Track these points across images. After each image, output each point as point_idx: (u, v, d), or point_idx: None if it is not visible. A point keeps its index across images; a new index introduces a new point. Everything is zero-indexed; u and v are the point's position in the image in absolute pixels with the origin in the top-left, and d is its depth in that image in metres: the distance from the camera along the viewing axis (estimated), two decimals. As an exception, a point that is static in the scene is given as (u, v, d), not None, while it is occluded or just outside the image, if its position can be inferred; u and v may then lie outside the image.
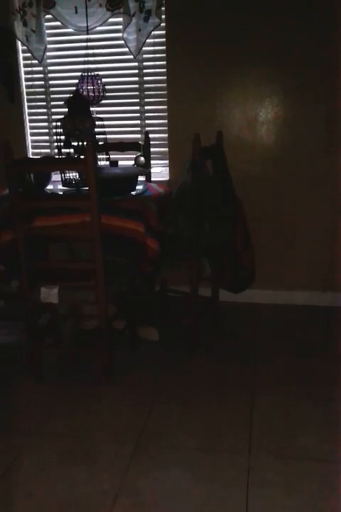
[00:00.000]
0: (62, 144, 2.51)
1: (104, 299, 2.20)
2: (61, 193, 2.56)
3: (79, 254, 2.66)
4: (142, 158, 2.62)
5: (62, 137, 2.52)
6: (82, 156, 2.41)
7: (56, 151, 2.63)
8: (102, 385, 2.31)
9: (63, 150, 2.54)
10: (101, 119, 2.65)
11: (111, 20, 2.96)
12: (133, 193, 2.47)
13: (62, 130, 2.52)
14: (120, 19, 2.94)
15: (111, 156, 2.73)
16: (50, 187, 2.65)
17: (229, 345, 2.69)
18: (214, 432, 1.96)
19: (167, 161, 3.17)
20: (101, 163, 2.75)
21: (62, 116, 2.55)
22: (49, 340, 2.61)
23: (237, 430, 1.96)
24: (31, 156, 3.36)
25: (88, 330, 2.74)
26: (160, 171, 3.18)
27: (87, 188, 2.08)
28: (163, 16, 2.91)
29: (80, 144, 2.45)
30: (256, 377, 2.34)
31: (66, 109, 2.59)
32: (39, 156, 3.32)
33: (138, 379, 2.37)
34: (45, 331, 2.58)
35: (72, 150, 2.53)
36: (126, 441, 1.92)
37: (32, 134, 3.35)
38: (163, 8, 2.89)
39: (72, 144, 2.51)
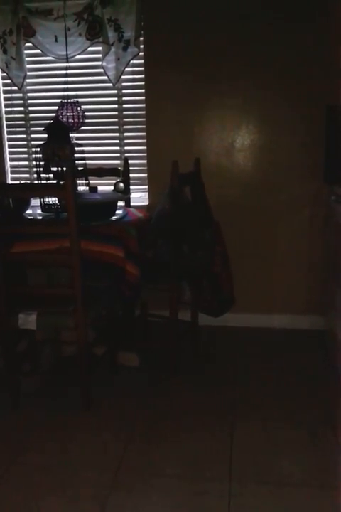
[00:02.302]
0: (41, 169, 2.52)
1: (83, 324, 2.19)
2: (40, 218, 2.55)
3: (58, 280, 2.64)
4: (121, 184, 2.64)
5: (42, 163, 2.53)
6: (61, 182, 2.42)
7: (35, 176, 2.63)
8: (81, 413, 2.28)
9: (42, 175, 2.55)
10: (81, 145, 2.67)
11: (90, 48, 3.00)
12: (112, 218, 2.48)
13: (41, 156, 2.53)
14: (99, 48, 2.99)
15: (90, 182, 2.74)
16: (29, 212, 2.64)
17: (209, 369, 2.69)
18: (195, 459, 1.95)
19: (146, 186, 3.20)
20: (80, 188, 2.76)
21: (41, 142, 2.56)
22: (26, 366, 2.57)
23: (217, 457, 1.95)
24: (10, 181, 3.35)
25: (67, 356, 2.70)
26: (139, 196, 3.21)
27: (66, 213, 2.08)
28: (142, 46, 2.98)
29: (59, 169, 2.46)
30: (235, 402, 2.34)
31: (45, 135, 2.61)
32: (18, 182, 3.31)
33: (118, 406, 2.34)
34: (22, 357, 2.54)
35: (51, 175, 2.54)
36: (105, 470, 1.89)
37: (11, 159, 3.35)
38: (142, 38, 2.96)
39: (52, 169, 2.51)
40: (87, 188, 2.71)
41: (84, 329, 2.20)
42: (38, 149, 2.53)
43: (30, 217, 2.55)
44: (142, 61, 3.02)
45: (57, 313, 2.25)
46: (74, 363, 2.32)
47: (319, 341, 2.91)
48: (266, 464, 1.89)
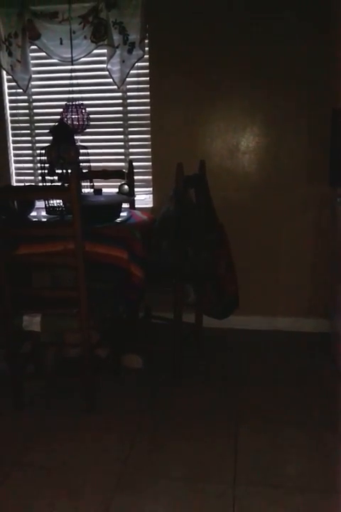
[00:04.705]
0: (46, 171, 2.53)
1: (87, 326, 2.19)
2: (45, 220, 2.56)
3: (62, 282, 2.65)
4: (126, 187, 2.65)
5: (47, 165, 2.54)
6: (66, 184, 2.42)
7: (40, 178, 2.64)
8: (85, 415, 2.28)
9: (47, 178, 2.55)
10: (86, 148, 2.68)
11: (95, 51, 3.01)
12: (117, 220, 2.49)
13: (46, 158, 2.54)
14: (104, 50, 3.00)
15: (95, 184, 2.75)
16: (33, 214, 2.65)
17: (213, 372, 2.68)
18: (200, 461, 1.94)
19: (151, 189, 3.20)
20: (85, 190, 2.77)
21: (46, 145, 2.57)
22: (31, 368, 2.57)
23: (222, 459, 1.94)
24: (15, 184, 3.36)
25: (71, 358, 2.70)
26: (143, 199, 3.21)
27: (71, 215, 2.09)
28: (147, 48, 2.98)
29: (64, 171, 2.47)
30: (240, 405, 2.33)
31: (50, 138, 2.61)
32: (23, 184, 3.32)
33: (122, 408, 2.34)
34: (26, 358, 2.55)
35: (56, 177, 2.54)
36: (109, 473, 1.89)
37: (16, 162, 3.36)
38: (147, 41, 2.97)
39: (56, 172, 2.52)
40: (92, 190, 2.71)
41: (88, 331, 2.20)
42: (43, 151, 2.54)
43: (34, 219, 2.56)
44: (147, 64, 3.03)
45: (62, 315, 2.25)
46: (78, 365, 2.32)
47: (323, 344, 2.90)
48: (270, 467, 1.88)
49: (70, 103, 2.91)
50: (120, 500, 1.74)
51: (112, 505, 1.72)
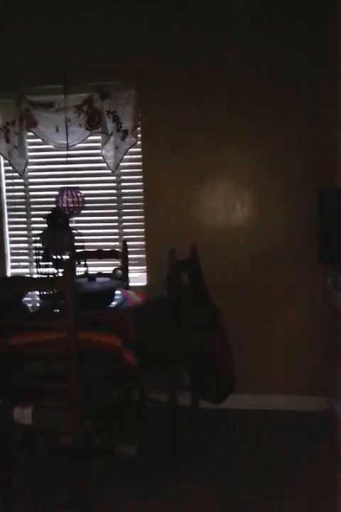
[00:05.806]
0: (41, 257, 2.55)
1: (80, 416, 2.13)
2: (38, 305, 2.56)
3: (56, 370, 2.61)
4: (119, 271, 2.67)
5: (41, 251, 2.57)
6: (59, 271, 2.45)
7: (34, 264, 2.66)
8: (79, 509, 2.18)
9: (42, 263, 2.58)
10: (80, 233, 2.71)
11: (90, 137, 3.13)
12: (110, 305, 2.49)
13: (41, 244, 2.57)
14: (99, 137, 3.12)
15: (89, 268, 2.77)
16: (27, 298, 2.65)
17: (212, 459, 2.59)
18: None
19: (144, 267, 3.23)
20: (79, 270, 2.79)
21: (41, 231, 2.61)
22: (21, 460, 2.48)
23: None
24: (10, 264, 3.38)
25: (63, 447, 2.62)
26: (138, 276, 3.23)
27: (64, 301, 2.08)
28: (139, 135, 3.10)
29: (59, 258, 2.49)
30: (241, 495, 2.24)
31: (45, 220, 2.66)
32: (17, 264, 3.35)
33: (117, 503, 2.24)
34: (17, 450, 2.46)
35: (50, 263, 2.57)
36: None
37: (11, 242, 3.40)
38: (139, 128, 3.09)
39: (51, 257, 2.55)
40: (85, 274, 2.73)
41: (80, 421, 2.14)
42: (38, 237, 2.58)
43: (27, 306, 2.56)
44: (140, 149, 3.14)
45: (53, 407, 2.20)
46: (72, 454, 2.23)
47: (323, 423, 2.82)
48: None
49: (66, 186, 2.99)
50: None
51: None
